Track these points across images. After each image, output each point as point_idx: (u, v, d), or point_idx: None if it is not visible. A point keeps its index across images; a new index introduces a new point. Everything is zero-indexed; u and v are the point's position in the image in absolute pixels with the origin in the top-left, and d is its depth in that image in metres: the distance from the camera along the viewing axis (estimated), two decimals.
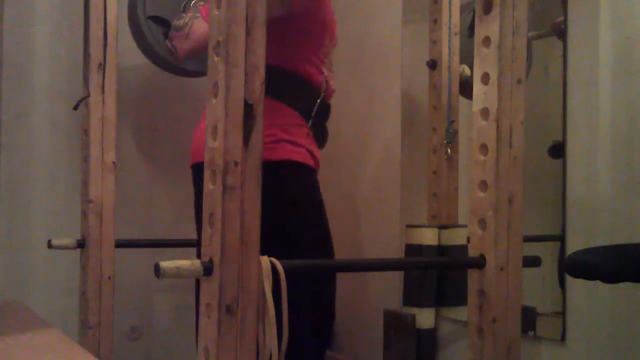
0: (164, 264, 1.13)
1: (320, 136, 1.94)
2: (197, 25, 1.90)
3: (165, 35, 2.11)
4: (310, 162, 1.85)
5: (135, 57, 2.55)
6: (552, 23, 1.82)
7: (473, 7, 1.48)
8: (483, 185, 1.44)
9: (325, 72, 1.92)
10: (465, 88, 2.09)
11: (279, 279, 1.25)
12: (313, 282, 1.84)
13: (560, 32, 1.77)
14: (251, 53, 1.16)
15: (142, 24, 2.25)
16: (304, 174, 1.84)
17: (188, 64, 2.26)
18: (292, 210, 1.78)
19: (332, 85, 1.96)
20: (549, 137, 1.82)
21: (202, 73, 2.36)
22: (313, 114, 1.86)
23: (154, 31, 2.24)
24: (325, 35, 1.91)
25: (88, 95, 2.16)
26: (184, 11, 2.17)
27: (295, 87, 1.84)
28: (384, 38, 2.48)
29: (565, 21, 1.73)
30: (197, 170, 1.85)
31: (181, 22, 1.95)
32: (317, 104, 1.87)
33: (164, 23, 2.22)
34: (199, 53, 1.89)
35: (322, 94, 1.89)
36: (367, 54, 2.57)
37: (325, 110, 1.93)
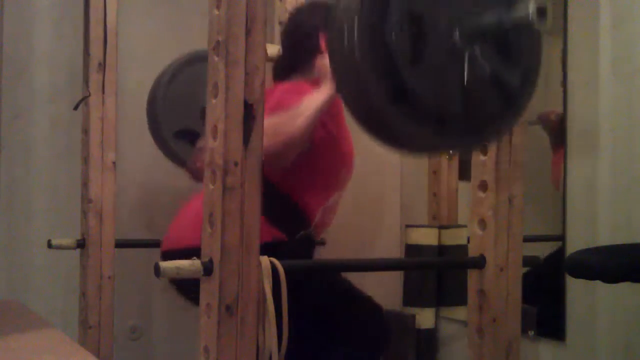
0: (164, 264, 1.13)
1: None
2: None
3: (193, 143, 2.03)
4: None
5: (135, 57, 2.55)
6: (539, 114, 1.83)
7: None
8: (483, 185, 1.44)
9: (327, 204, 1.86)
10: None
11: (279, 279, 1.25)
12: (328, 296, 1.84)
13: (546, 123, 1.78)
14: (251, 53, 1.16)
15: (169, 142, 2.25)
16: None
17: None
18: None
19: (330, 219, 1.91)
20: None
21: None
22: (296, 237, 1.76)
23: (182, 146, 2.20)
24: (340, 170, 1.86)
25: (88, 95, 2.16)
26: (201, 117, 2.14)
27: (284, 210, 1.75)
28: None
29: (565, 21, 1.73)
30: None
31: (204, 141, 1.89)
32: (302, 234, 1.77)
33: (191, 134, 2.16)
34: None
35: (310, 227, 1.81)
36: None
37: (308, 241, 1.84)
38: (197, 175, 1.97)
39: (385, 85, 1.10)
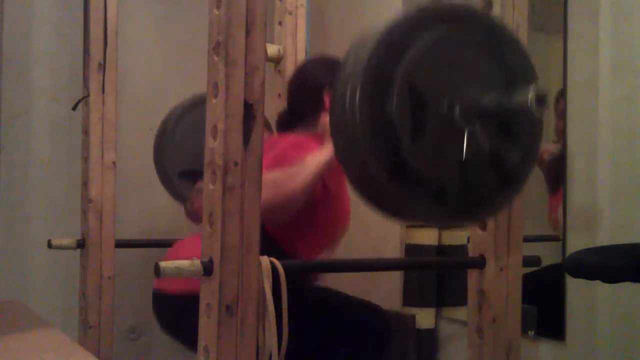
0: (164, 264, 1.13)
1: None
2: None
3: (195, 182, 2.06)
4: None
5: (135, 57, 2.55)
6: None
7: None
8: None
9: (322, 257, 1.86)
10: None
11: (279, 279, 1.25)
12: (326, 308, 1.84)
13: (540, 162, 1.75)
14: (251, 53, 1.16)
15: (174, 182, 2.30)
16: None
17: None
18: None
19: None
20: (549, 137, 1.82)
21: None
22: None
23: (186, 186, 2.23)
24: (336, 226, 1.87)
25: (87, 95, 2.16)
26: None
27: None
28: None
29: (565, 21, 1.73)
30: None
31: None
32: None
33: (195, 174, 2.15)
34: None
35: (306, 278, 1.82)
36: None
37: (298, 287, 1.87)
38: (193, 216, 1.98)
39: (383, 157, 1.11)
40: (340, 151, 1.22)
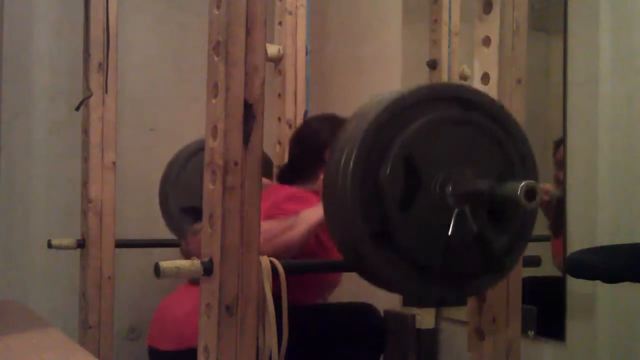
0: (164, 264, 1.13)
1: None
2: None
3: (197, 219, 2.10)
4: None
5: (135, 57, 2.55)
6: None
7: None
8: None
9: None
10: None
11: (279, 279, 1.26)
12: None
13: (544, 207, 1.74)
14: (251, 53, 1.16)
15: (175, 216, 2.36)
16: None
17: None
18: None
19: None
20: (549, 137, 1.82)
21: None
22: None
23: (187, 223, 2.26)
24: (324, 280, 1.89)
25: (90, 95, 2.16)
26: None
27: None
28: (384, 38, 2.48)
29: (565, 21, 1.73)
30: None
31: (199, 226, 1.91)
32: None
33: (197, 211, 2.23)
34: None
35: None
36: (367, 54, 2.57)
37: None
38: (187, 255, 1.98)
39: (369, 224, 1.12)
40: (328, 210, 1.23)
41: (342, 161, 1.14)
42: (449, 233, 1.14)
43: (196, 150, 2.35)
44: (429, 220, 1.15)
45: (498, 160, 1.19)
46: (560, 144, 1.73)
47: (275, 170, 2.28)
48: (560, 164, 1.74)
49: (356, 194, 1.12)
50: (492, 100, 1.26)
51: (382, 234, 1.12)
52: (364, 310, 1.91)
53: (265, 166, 1.56)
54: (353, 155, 1.12)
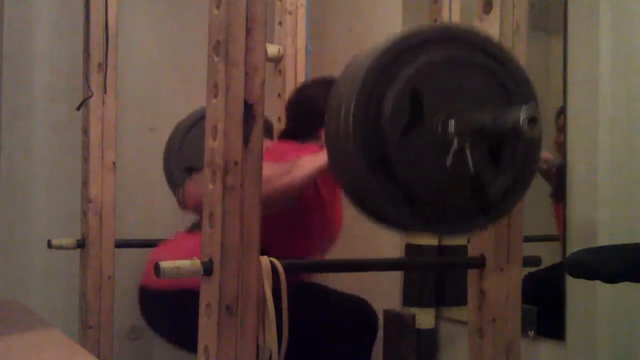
0: (164, 264, 1.14)
1: None
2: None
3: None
4: None
5: (135, 57, 2.55)
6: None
7: None
8: None
9: None
10: None
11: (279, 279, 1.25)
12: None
13: (541, 170, 1.77)
14: (251, 53, 1.16)
15: (176, 176, 2.35)
16: None
17: None
18: None
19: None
20: (548, 137, 1.82)
21: None
22: None
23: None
24: (323, 236, 1.88)
25: (91, 95, 2.16)
26: None
27: None
28: (384, 38, 2.47)
29: (565, 21, 1.73)
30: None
31: (198, 175, 1.92)
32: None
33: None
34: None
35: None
36: None
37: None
38: (182, 204, 1.99)
39: (368, 151, 1.13)
40: (329, 144, 1.23)
41: (345, 94, 1.15)
42: (447, 166, 1.15)
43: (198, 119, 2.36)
44: (428, 156, 1.17)
45: (498, 92, 1.20)
46: (562, 113, 1.75)
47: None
48: (561, 129, 1.75)
49: (358, 128, 1.13)
50: (484, 34, 1.27)
51: (382, 166, 1.14)
52: (358, 304, 1.91)
53: (266, 130, 1.55)
54: (356, 88, 1.13)
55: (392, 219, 1.23)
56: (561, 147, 1.74)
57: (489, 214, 1.24)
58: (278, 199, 1.54)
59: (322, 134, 1.75)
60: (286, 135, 1.94)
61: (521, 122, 1.08)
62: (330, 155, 1.25)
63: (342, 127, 1.15)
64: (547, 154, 1.77)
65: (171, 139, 2.43)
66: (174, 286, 1.69)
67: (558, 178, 1.75)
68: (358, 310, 1.91)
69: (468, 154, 1.16)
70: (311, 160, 1.65)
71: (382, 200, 1.17)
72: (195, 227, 1.82)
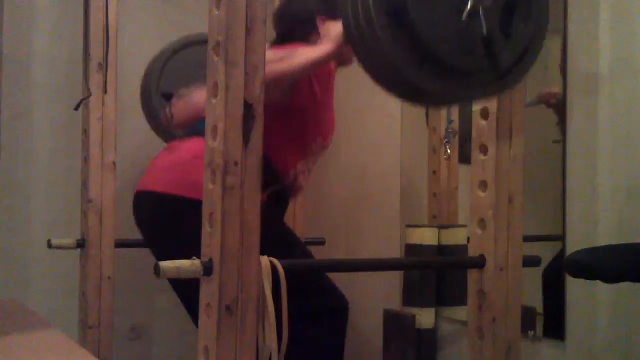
0: (164, 264, 1.13)
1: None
2: (197, 95, 1.80)
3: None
4: None
5: (135, 57, 2.55)
6: (541, 93, 1.82)
7: None
8: (483, 185, 1.44)
9: (299, 168, 1.87)
10: None
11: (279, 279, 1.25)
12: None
13: (548, 104, 1.77)
14: (251, 53, 1.16)
15: (153, 100, 2.31)
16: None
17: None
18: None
19: (302, 182, 1.92)
20: (549, 137, 1.82)
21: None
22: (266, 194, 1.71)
23: (163, 106, 2.21)
24: (316, 137, 1.88)
25: (90, 95, 2.16)
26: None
27: None
28: None
29: (565, 21, 1.73)
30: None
31: (185, 91, 1.91)
32: (273, 190, 1.79)
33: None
34: (193, 123, 1.84)
35: (283, 185, 1.85)
36: None
37: (280, 199, 1.88)
38: (168, 123, 1.98)
39: (409, 51, 1.19)
40: (361, 53, 1.29)
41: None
42: (463, 23, 1.21)
43: (183, 45, 2.36)
44: (446, 15, 1.21)
45: None
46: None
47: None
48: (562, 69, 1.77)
49: (390, 26, 1.18)
50: None
51: (402, 26, 1.18)
52: (329, 292, 1.88)
53: None
54: None
55: (413, 80, 1.26)
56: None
57: (504, 79, 1.30)
58: (274, 86, 1.54)
59: (317, 38, 1.77)
60: (279, 43, 1.92)
61: None
62: (347, 23, 1.26)
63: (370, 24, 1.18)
64: (555, 88, 1.76)
65: (153, 63, 2.39)
66: (165, 190, 1.78)
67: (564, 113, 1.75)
68: (326, 290, 1.88)
69: (482, 15, 1.20)
70: (310, 50, 1.67)
71: (405, 62, 1.21)
72: (188, 135, 1.84)
